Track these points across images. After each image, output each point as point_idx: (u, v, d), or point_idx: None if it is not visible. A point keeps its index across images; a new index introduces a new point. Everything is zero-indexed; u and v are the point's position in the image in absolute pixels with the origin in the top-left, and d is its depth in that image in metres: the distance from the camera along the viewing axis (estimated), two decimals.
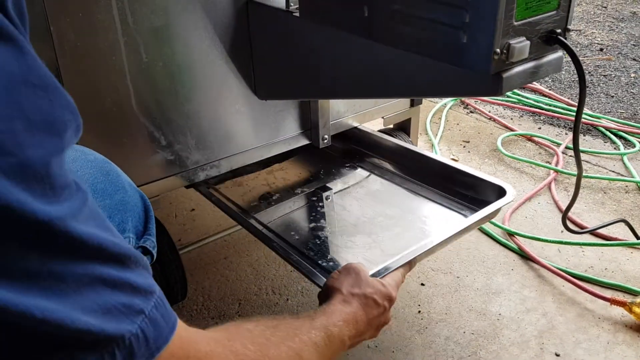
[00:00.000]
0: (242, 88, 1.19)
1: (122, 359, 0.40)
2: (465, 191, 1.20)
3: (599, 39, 2.88)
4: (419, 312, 1.21)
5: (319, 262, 1.06)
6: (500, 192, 1.12)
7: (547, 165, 1.72)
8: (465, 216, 1.14)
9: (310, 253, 1.09)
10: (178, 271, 1.17)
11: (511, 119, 2.07)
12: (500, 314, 1.20)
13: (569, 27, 0.79)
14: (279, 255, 1.05)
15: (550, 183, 1.63)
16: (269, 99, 1.21)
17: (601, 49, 2.76)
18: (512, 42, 0.72)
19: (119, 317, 0.40)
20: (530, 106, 2.13)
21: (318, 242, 1.12)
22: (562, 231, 1.45)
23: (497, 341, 1.13)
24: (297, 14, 1.02)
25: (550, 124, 2.03)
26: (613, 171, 1.71)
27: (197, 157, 1.18)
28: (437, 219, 1.17)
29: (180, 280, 1.18)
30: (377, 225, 1.16)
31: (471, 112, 2.13)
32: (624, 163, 1.74)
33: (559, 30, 0.78)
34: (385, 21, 0.84)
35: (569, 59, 0.79)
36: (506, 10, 0.70)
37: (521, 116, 2.10)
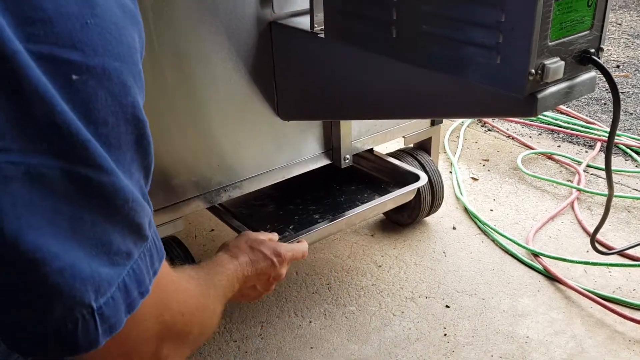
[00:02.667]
0: (265, 109, 1.18)
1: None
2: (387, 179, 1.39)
3: (614, 56, 2.87)
4: (445, 335, 1.19)
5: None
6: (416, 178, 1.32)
7: (570, 184, 1.70)
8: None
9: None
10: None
11: (530, 137, 2.06)
12: (528, 337, 1.17)
13: (602, 46, 0.79)
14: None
15: (573, 202, 1.61)
16: (292, 119, 1.21)
17: (618, 66, 2.74)
18: (546, 62, 0.71)
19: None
20: (549, 124, 2.12)
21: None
22: (587, 251, 1.42)
23: None
24: (322, 35, 1.01)
25: (570, 142, 2.01)
26: (636, 189, 1.69)
27: (219, 178, 1.18)
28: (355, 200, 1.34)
29: None
30: None
31: (489, 130, 2.11)
32: None
33: (592, 50, 0.77)
34: (415, 42, 0.83)
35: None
36: (541, 30, 0.69)
37: (540, 134, 2.08)
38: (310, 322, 1.25)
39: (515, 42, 0.70)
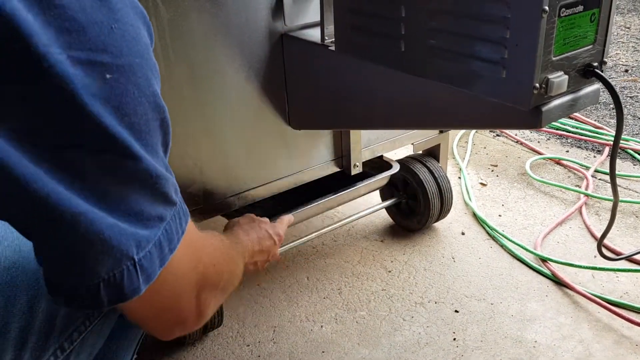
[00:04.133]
0: (276, 119, 1.21)
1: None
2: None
3: (623, 60, 2.88)
4: (454, 339, 1.21)
5: None
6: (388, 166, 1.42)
7: (577, 189, 1.71)
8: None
9: None
10: None
11: (538, 142, 2.07)
12: (536, 341, 1.19)
13: (605, 59, 0.81)
14: None
15: (581, 207, 1.63)
16: (303, 129, 1.23)
17: (626, 70, 2.75)
18: (550, 76, 0.74)
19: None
20: (557, 129, 2.13)
21: None
22: (595, 256, 1.44)
23: None
24: (333, 48, 1.04)
25: (578, 147, 2.03)
26: None
27: (231, 187, 1.21)
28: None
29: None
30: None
31: (497, 135, 2.13)
32: None
33: (595, 64, 0.79)
34: (423, 56, 0.86)
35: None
36: (545, 46, 0.72)
37: (548, 139, 2.10)
38: (321, 326, 1.27)
39: (520, 57, 0.73)
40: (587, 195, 1.67)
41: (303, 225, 1.62)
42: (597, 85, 0.81)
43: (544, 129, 2.15)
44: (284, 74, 1.19)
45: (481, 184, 1.80)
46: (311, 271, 1.45)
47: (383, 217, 1.63)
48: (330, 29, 1.07)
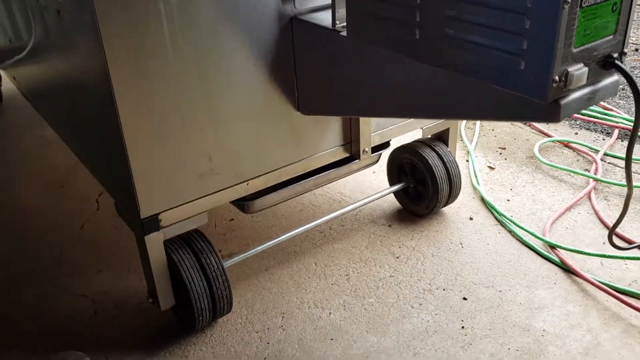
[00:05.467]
0: (285, 104, 1.20)
1: None
2: None
3: (633, 39, 2.84)
4: (463, 327, 1.21)
5: None
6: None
7: (586, 173, 1.70)
8: None
9: None
10: (224, 285, 1.18)
11: (547, 124, 2.05)
12: (544, 330, 1.19)
13: (625, 50, 0.79)
14: None
15: (589, 192, 1.61)
16: (312, 114, 1.22)
17: (637, 49, 2.71)
18: (570, 69, 0.72)
19: None
20: None
21: None
22: (603, 243, 1.43)
23: (542, 359, 1.13)
24: (344, 33, 1.02)
25: (587, 129, 2.00)
26: None
27: (242, 173, 1.19)
28: None
29: (226, 294, 1.19)
30: None
31: None
32: None
33: (615, 55, 0.77)
34: (438, 45, 0.84)
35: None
36: (565, 38, 0.70)
37: None
38: (330, 313, 1.27)
39: (540, 49, 0.71)
40: (596, 180, 1.66)
41: (311, 210, 1.61)
42: (616, 77, 0.80)
43: None
44: (293, 59, 1.17)
45: (489, 167, 1.78)
46: (319, 257, 1.44)
47: (390, 202, 1.62)
48: (341, 12, 1.04)
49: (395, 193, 1.59)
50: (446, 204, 1.54)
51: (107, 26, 0.93)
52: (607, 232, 1.47)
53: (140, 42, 0.97)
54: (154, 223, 1.12)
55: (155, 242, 1.13)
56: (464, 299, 1.29)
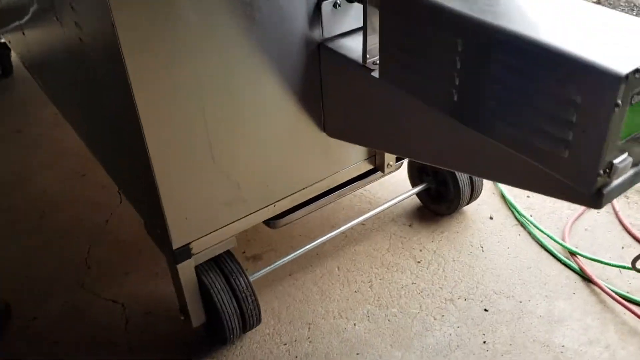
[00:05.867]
0: (312, 126, 1.19)
1: None
2: None
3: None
4: (484, 342, 1.25)
5: None
6: None
7: None
8: None
9: None
10: (254, 305, 1.22)
11: None
12: (563, 346, 1.23)
13: None
14: None
15: None
16: (337, 138, 1.21)
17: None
18: (615, 161, 0.71)
19: None
20: None
21: None
22: (622, 247, 1.45)
23: None
24: (375, 73, 0.99)
25: None
26: None
27: (269, 196, 1.20)
28: None
29: (256, 312, 1.23)
30: None
31: None
32: None
33: None
34: (477, 111, 0.82)
35: None
36: (613, 133, 0.69)
37: None
38: (354, 325, 1.31)
39: (586, 143, 0.70)
40: None
41: (332, 208, 1.63)
42: None
43: None
44: (320, 82, 1.15)
45: None
46: (341, 260, 1.47)
47: (411, 199, 1.63)
48: (373, 47, 1.02)
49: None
50: (467, 203, 1.55)
51: (134, 69, 0.91)
52: (626, 234, 1.49)
53: (170, 78, 0.95)
54: (185, 252, 1.14)
55: (186, 268, 1.16)
56: (485, 310, 1.32)
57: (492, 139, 0.82)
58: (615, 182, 0.74)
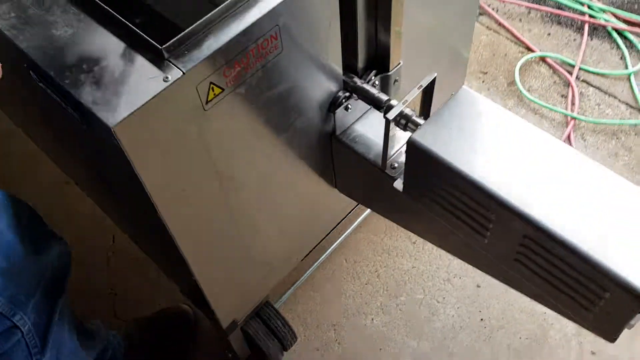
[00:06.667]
0: (325, 185, 1.25)
1: None
2: None
3: None
4: (482, 320, 1.51)
5: None
6: None
7: (565, 111, 1.84)
8: None
9: None
10: (293, 338, 1.40)
11: (520, 19, 2.07)
12: (545, 313, 1.51)
13: None
14: None
15: (569, 134, 1.78)
16: (347, 196, 1.29)
17: None
18: (632, 321, 0.88)
19: None
20: (538, 3, 2.11)
21: None
22: None
23: (546, 344, 1.47)
24: (398, 187, 1.05)
25: (558, 24, 2.05)
26: (624, 102, 1.85)
27: (296, 256, 1.31)
28: None
29: (293, 340, 1.41)
30: None
31: (481, 14, 2.10)
32: (631, 86, 1.87)
33: None
34: (507, 256, 0.94)
35: None
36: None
37: (529, 13, 2.09)
38: (372, 319, 1.53)
39: (609, 316, 0.86)
40: (573, 118, 1.81)
41: None
42: None
43: (525, 3, 2.11)
44: (332, 161, 1.20)
45: None
46: (346, 251, 1.63)
47: None
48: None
49: None
50: None
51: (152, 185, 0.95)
52: None
53: (187, 178, 0.97)
54: (233, 325, 1.28)
55: (235, 333, 1.31)
56: (478, 286, 1.56)
57: (520, 277, 0.96)
58: (633, 320, 0.92)
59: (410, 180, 1.00)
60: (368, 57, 1.08)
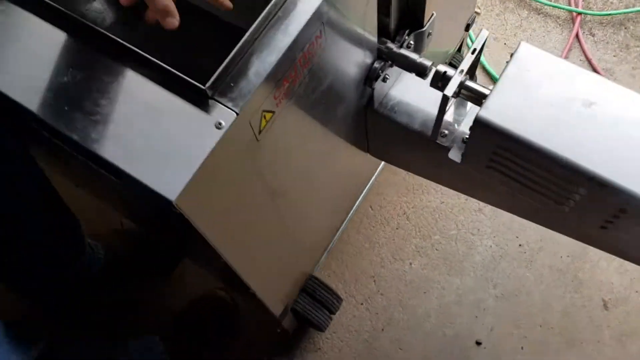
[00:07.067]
0: (358, 152, 1.16)
1: None
2: None
3: None
4: (520, 245, 1.49)
5: None
6: None
7: (569, 7, 1.72)
8: None
9: None
10: (339, 303, 1.36)
11: None
12: None
13: None
14: None
15: (577, 32, 1.68)
16: (379, 159, 1.20)
17: None
18: None
19: None
20: None
21: None
22: None
23: (588, 259, 1.46)
24: (456, 159, 0.97)
25: None
26: None
27: (332, 225, 1.24)
28: None
29: (339, 304, 1.37)
30: None
31: None
32: None
33: None
34: (588, 226, 0.89)
35: None
36: None
37: None
38: (410, 264, 1.50)
39: None
40: (579, 13, 1.70)
41: None
42: None
43: None
44: (365, 129, 1.10)
45: (475, 12, 1.74)
46: (370, 197, 1.56)
47: None
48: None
49: None
50: None
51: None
52: None
53: (244, 211, 0.92)
54: (285, 312, 1.22)
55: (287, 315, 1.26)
56: None
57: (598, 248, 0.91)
58: None
59: (474, 156, 0.92)
60: (400, 15, 0.95)
